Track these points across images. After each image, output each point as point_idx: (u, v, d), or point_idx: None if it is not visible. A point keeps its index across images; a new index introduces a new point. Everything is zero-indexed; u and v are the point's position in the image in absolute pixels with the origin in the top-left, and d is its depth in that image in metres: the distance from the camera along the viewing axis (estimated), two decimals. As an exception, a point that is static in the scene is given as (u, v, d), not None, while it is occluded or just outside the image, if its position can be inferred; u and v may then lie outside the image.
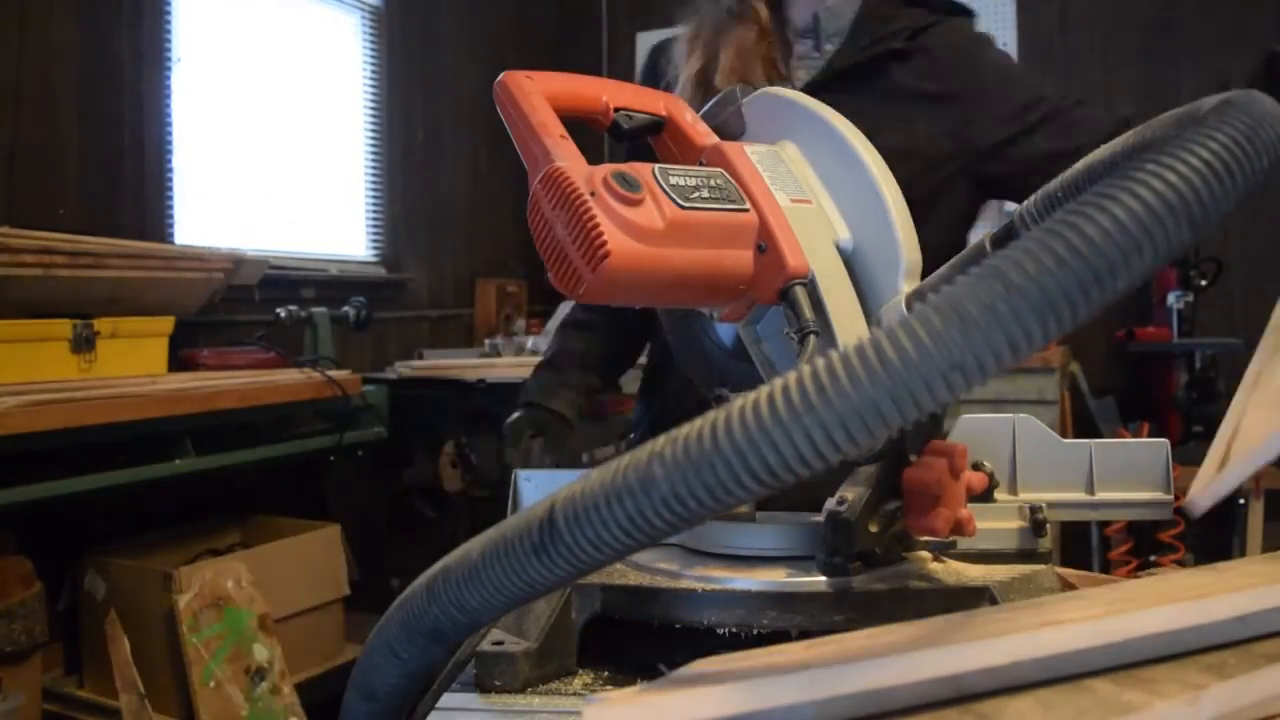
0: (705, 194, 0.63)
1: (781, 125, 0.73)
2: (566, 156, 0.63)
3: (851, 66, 1.16)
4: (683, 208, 0.61)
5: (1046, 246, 0.33)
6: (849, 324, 0.64)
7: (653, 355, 1.36)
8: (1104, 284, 0.33)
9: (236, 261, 2.43)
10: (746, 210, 0.64)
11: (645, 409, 1.35)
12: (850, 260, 0.67)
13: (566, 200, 0.59)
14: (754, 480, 0.34)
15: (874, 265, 0.67)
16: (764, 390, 0.34)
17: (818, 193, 0.69)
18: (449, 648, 0.47)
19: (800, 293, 0.63)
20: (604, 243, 0.57)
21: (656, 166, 0.63)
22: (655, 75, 1.25)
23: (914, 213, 0.67)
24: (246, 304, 2.66)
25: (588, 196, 0.59)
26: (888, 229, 0.66)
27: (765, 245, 0.64)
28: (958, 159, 1.16)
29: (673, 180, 0.63)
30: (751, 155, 0.68)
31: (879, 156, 0.68)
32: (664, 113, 0.76)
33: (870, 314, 0.66)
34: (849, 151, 0.68)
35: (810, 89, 1.13)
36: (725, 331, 0.73)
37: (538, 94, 0.70)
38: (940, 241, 0.77)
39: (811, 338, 0.62)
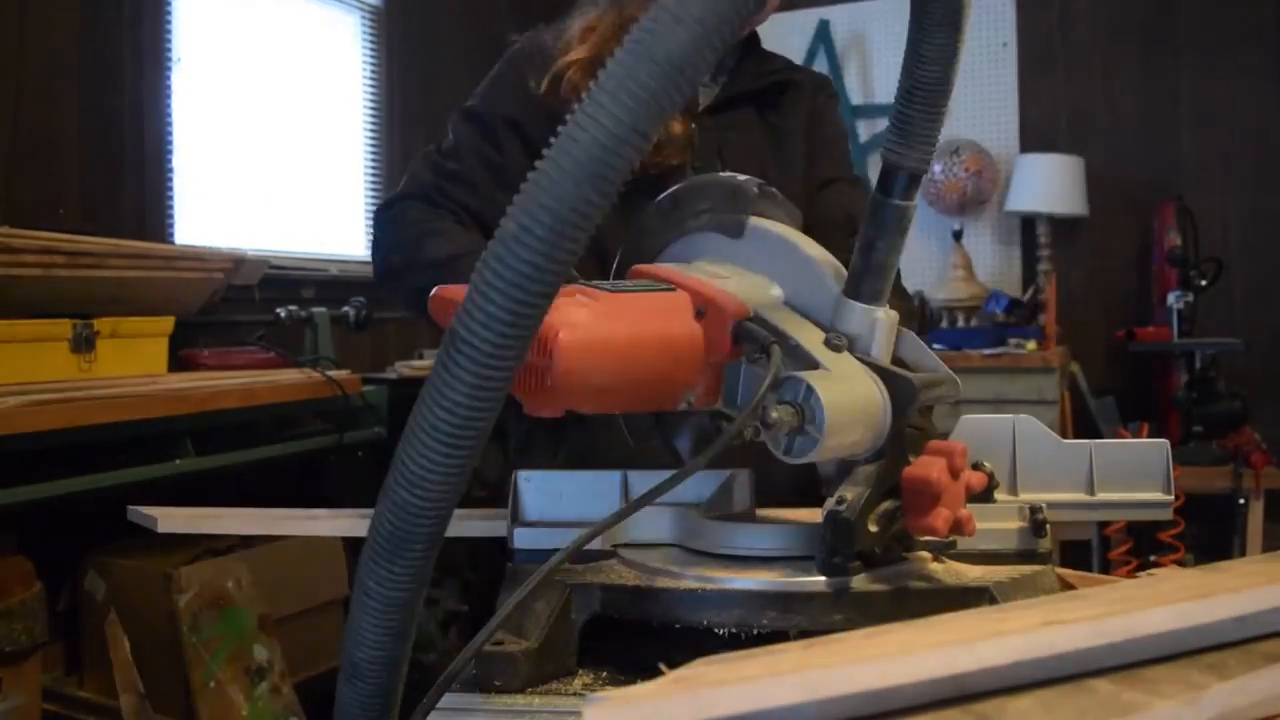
0: (629, 286, 0.69)
1: (693, 249, 0.78)
2: None
3: (742, 94, 1.25)
4: (613, 291, 0.66)
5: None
6: (806, 333, 0.66)
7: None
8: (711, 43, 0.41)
9: (236, 261, 2.43)
10: (673, 289, 0.69)
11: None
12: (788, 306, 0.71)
13: None
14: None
15: (810, 308, 0.69)
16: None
17: (741, 274, 0.73)
18: (417, 561, 0.46)
19: (751, 325, 0.66)
20: (553, 330, 0.60)
21: (578, 281, 0.68)
22: (515, 81, 1.20)
23: None
24: (246, 304, 2.66)
25: None
26: (816, 277, 0.69)
27: (703, 308, 0.67)
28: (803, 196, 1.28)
29: (596, 283, 0.68)
30: (668, 264, 0.75)
31: (790, 229, 0.73)
32: None
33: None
34: (763, 234, 0.73)
35: (709, 112, 1.23)
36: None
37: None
38: None
39: (774, 348, 0.63)
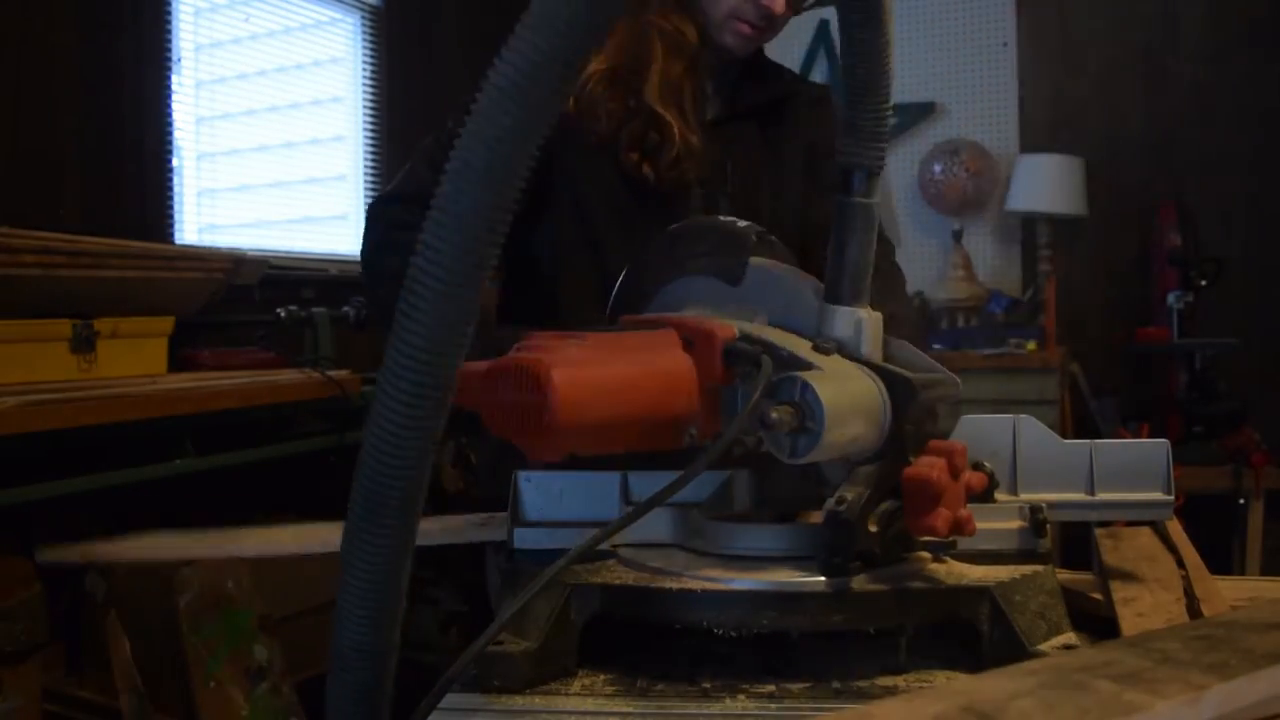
0: (616, 330, 0.71)
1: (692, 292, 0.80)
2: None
3: (745, 109, 1.26)
4: (600, 331, 0.69)
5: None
6: (796, 343, 0.67)
7: None
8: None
9: (236, 261, 2.43)
10: (662, 327, 0.70)
11: None
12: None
13: (503, 366, 0.63)
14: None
15: (795, 321, 0.72)
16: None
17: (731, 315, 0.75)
18: (396, 526, 0.47)
19: (740, 345, 0.66)
20: (546, 366, 0.60)
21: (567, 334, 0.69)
22: None
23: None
24: (246, 304, 2.66)
25: (516, 352, 0.64)
26: (796, 294, 0.73)
27: (691, 339, 0.68)
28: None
29: (579, 330, 0.70)
30: (657, 313, 0.78)
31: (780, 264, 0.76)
32: None
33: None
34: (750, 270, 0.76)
35: (717, 123, 1.23)
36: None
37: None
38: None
39: (765, 358, 0.63)
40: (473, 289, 0.45)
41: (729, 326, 0.68)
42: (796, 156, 1.26)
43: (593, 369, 0.63)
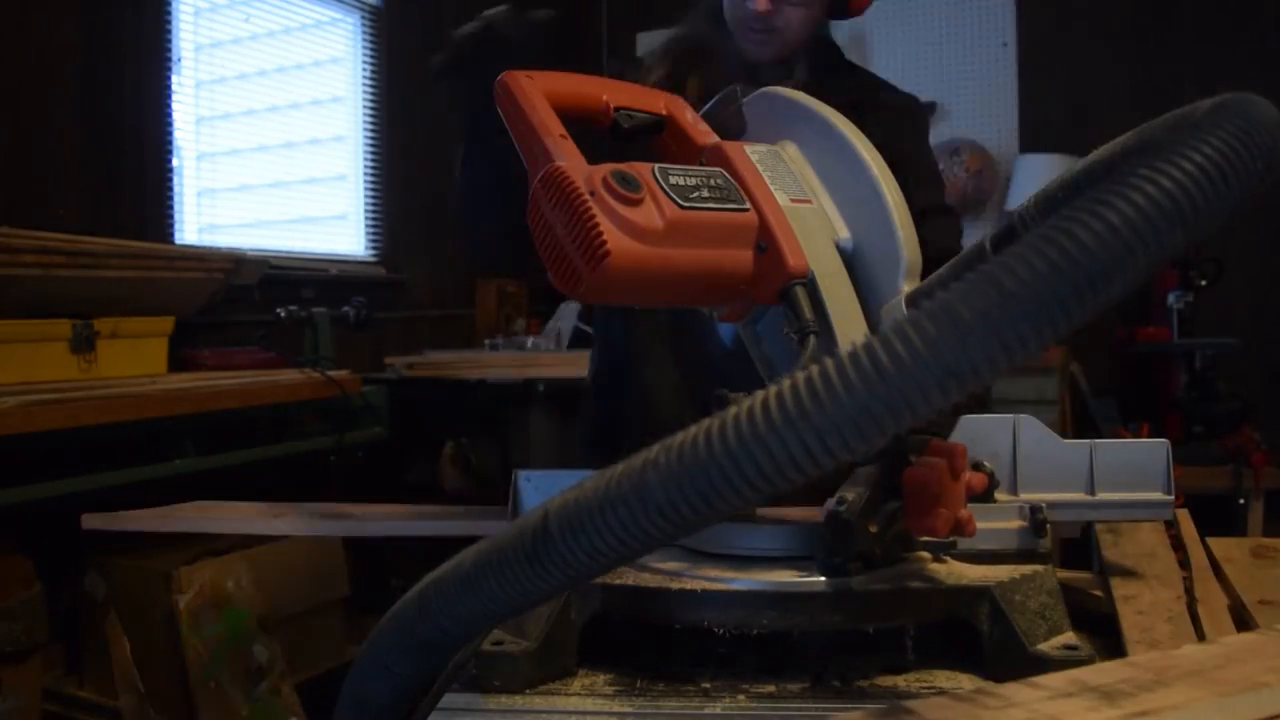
0: (705, 194, 0.64)
1: (782, 125, 0.73)
2: (566, 156, 0.63)
3: None
4: (682, 207, 0.61)
5: (1040, 252, 0.33)
6: (849, 324, 0.64)
7: (600, 364, 1.32)
8: (1098, 288, 0.33)
9: (236, 261, 2.43)
10: (746, 210, 0.65)
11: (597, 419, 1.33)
12: (850, 259, 0.67)
13: (566, 200, 0.60)
14: (749, 486, 0.33)
15: (874, 264, 0.67)
16: (759, 396, 0.34)
17: (818, 192, 0.69)
18: (440, 660, 0.46)
19: (800, 293, 0.63)
20: (603, 242, 0.57)
21: (656, 166, 0.63)
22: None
23: None
24: (246, 304, 2.66)
25: (587, 196, 0.59)
26: (888, 228, 0.66)
27: (765, 245, 0.64)
28: None
29: (673, 180, 0.63)
30: (752, 155, 0.69)
31: (879, 156, 0.68)
32: (664, 112, 0.76)
33: (870, 313, 0.66)
34: (850, 151, 0.69)
35: None
36: (725, 331, 0.73)
37: (538, 93, 0.70)
38: None
39: (811, 338, 0.62)
40: None
41: (802, 261, 0.63)
42: None
43: (651, 259, 0.59)
